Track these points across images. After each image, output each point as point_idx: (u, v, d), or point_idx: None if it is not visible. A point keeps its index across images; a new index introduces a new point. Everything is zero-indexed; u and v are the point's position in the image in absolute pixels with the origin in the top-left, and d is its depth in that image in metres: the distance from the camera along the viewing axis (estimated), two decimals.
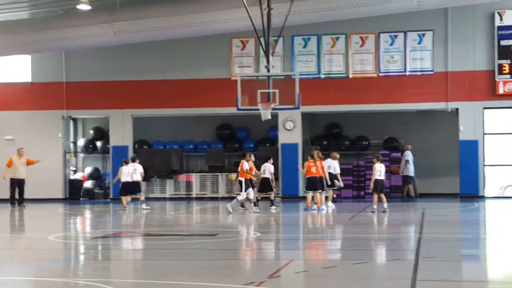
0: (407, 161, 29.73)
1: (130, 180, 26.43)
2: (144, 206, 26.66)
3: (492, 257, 14.49)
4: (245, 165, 24.82)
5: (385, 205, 23.90)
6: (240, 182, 24.92)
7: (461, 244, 16.48)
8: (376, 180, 24.19)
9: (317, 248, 16.04)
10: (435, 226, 20.35)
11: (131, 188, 26.55)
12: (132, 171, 26.51)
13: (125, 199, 26.46)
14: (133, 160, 27.07)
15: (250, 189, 24.62)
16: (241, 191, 24.82)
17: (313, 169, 24.51)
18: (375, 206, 24.03)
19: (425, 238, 16.82)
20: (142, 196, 27.23)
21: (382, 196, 24.12)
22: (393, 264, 12.98)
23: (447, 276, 11.87)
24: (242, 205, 25.12)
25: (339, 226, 21.02)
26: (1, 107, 33.45)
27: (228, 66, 32.03)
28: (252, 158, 25.54)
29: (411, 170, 29.79)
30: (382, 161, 24.76)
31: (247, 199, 24.93)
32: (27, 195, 29.50)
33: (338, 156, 26.73)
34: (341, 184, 26.80)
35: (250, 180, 24.98)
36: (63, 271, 13.20)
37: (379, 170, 24.22)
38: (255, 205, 24.93)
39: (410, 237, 17.49)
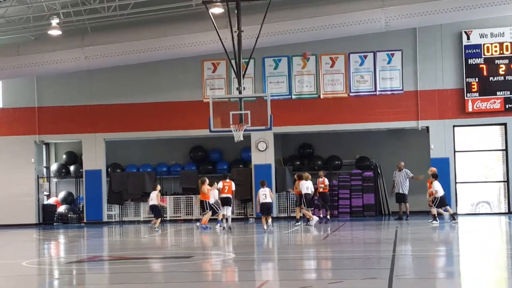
0: (407, 179, 29.51)
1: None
2: (219, 224, 26.75)
3: (465, 274, 14.63)
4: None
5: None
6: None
7: (434, 261, 16.62)
8: (305, 195, 26.56)
9: (291, 268, 16.10)
10: (408, 244, 20.53)
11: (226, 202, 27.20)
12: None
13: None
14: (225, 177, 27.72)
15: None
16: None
17: None
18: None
19: (398, 256, 16.95)
20: (219, 215, 27.11)
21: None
22: (367, 283, 13.07)
23: None
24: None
25: (313, 246, 21.11)
26: None
27: (200, 88, 32.13)
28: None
29: (407, 188, 29.65)
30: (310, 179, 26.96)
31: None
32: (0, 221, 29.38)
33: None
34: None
35: None
36: None
37: (307, 186, 26.51)
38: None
39: (384, 255, 17.60)
